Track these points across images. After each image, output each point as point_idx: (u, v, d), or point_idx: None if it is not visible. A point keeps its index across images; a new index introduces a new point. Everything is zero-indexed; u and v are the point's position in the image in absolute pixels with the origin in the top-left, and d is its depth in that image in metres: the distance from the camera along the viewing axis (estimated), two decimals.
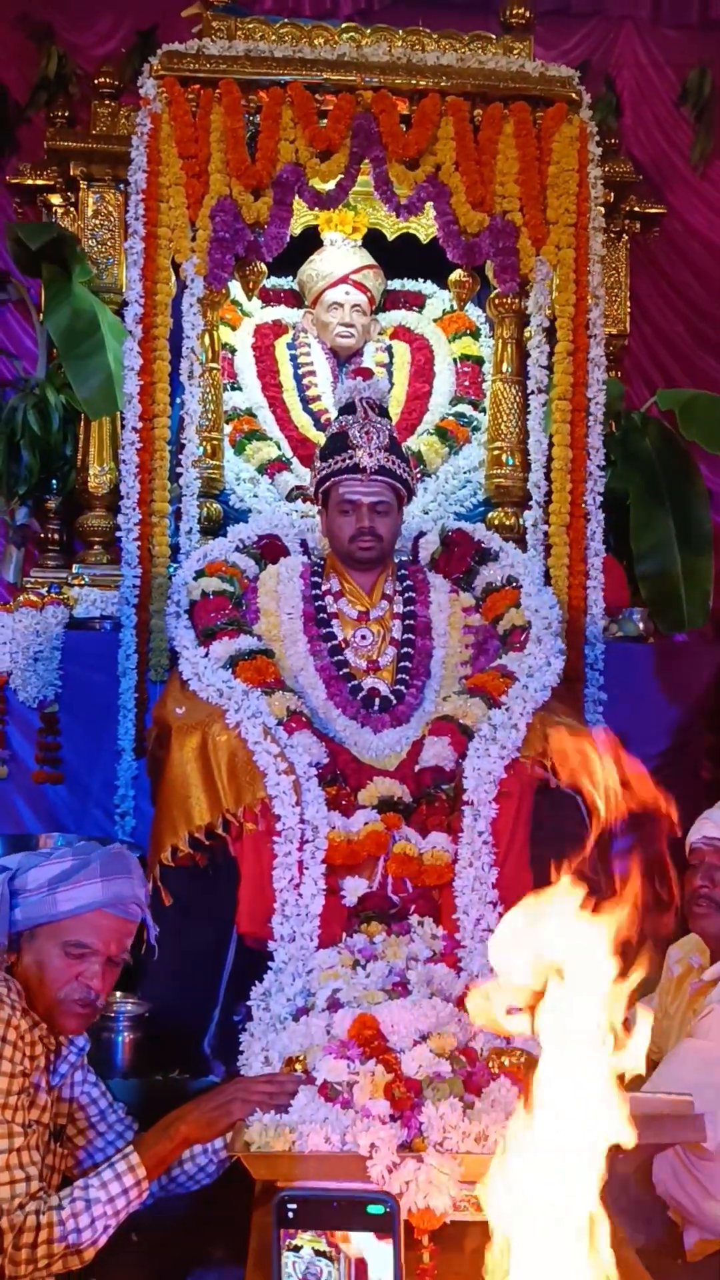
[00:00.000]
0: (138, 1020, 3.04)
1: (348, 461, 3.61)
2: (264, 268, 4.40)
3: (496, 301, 4.42)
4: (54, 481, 5.09)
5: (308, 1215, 1.02)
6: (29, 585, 4.80)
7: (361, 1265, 1.04)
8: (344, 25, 4.37)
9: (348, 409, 3.73)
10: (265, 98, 4.14)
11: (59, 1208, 2.19)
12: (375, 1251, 1.06)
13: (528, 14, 4.46)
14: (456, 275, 4.61)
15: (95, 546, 4.89)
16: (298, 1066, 2.50)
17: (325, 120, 4.17)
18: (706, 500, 5.18)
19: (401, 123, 4.19)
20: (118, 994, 3.01)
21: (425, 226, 4.74)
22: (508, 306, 4.40)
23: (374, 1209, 1.05)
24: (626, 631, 4.56)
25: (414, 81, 4.19)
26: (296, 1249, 1.02)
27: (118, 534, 4.12)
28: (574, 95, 4.24)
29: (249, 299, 4.62)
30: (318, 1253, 1.01)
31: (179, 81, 4.11)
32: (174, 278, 4.18)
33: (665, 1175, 2.76)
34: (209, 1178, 2.46)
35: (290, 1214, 1.02)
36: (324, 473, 3.67)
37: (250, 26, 4.32)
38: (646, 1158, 2.79)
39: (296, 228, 4.73)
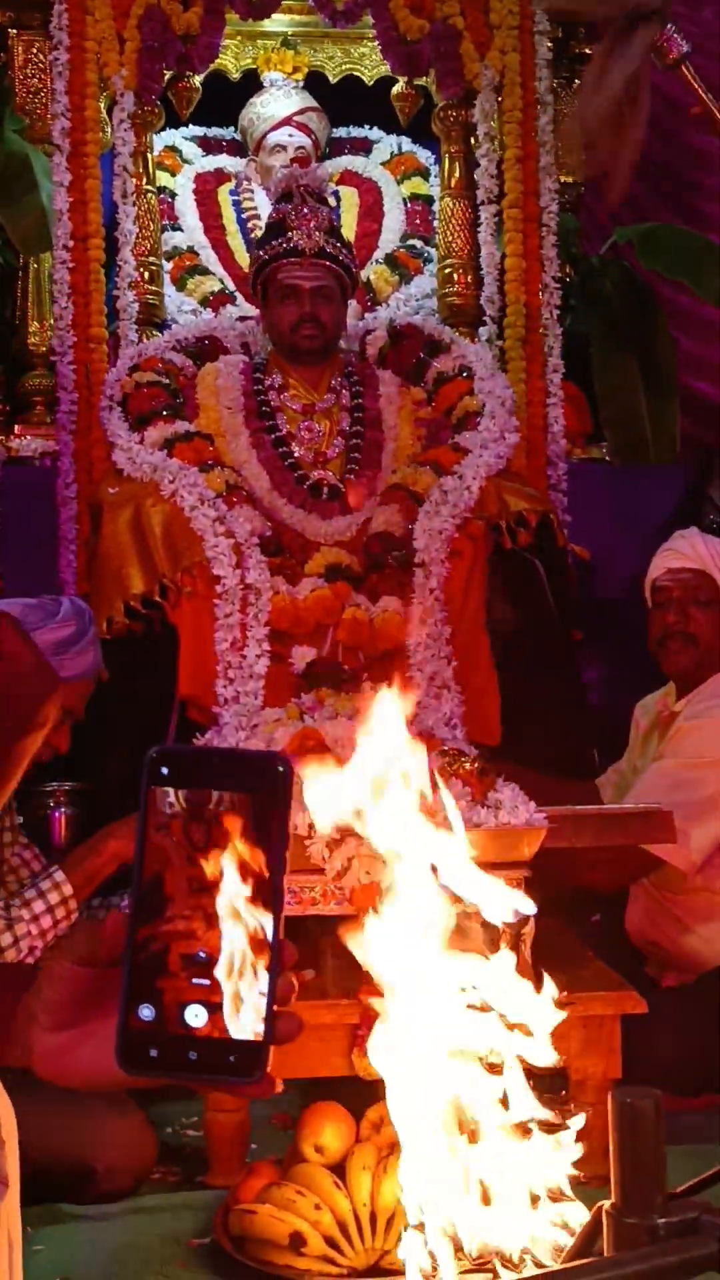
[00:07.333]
0: (74, 796, 2.85)
1: (285, 245, 3.44)
2: (198, 84, 4.22)
3: (442, 115, 4.24)
4: None
5: (185, 774, 0.79)
6: None
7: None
8: None
9: (285, 196, 3.55)
10: None
11: None
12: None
13: None
14: (399, 89, 4.43)
15: (36, 407, 4.67)
16: None
17: None
18: (671, 342, 5.00)
19: None
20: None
21: (369, 66, 4.57)
22: (454, 119, 4.22)
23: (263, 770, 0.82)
24: (591, 455, 4.37)
25: None
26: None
27: (58, 392, 3.93)
28: None
29: (183, 116, 4.43)
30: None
31: None
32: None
33: (638, 918, 2.59)
34: None
35: (163, 773, 0.79)
36: (262, 258, 3.49)
37: None
38: (618, 902, 2.62)
39: (236, 71, 4.57)
